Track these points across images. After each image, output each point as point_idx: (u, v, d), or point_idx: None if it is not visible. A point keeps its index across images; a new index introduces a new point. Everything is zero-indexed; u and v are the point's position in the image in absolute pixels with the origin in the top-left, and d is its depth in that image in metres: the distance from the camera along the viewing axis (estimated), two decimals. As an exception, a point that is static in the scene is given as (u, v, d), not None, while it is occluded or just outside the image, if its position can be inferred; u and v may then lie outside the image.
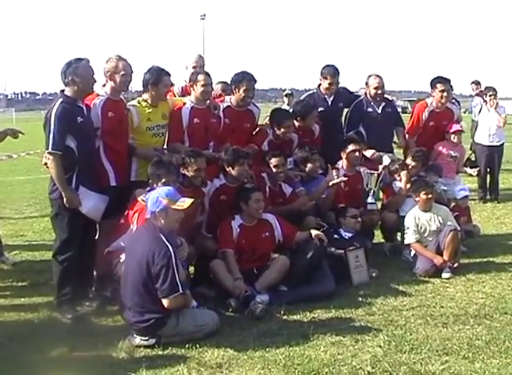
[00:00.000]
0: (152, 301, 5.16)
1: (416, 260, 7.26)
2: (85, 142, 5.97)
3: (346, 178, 7.54)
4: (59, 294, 6.06)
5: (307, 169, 7.68)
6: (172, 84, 7.52)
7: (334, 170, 7.51)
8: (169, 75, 6.80)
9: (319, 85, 8.41)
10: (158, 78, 6.67)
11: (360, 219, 7.43)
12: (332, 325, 5.61)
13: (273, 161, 7.26)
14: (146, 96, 6.79)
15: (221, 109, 7.34)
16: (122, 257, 5.61)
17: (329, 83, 8.26)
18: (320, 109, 8.19)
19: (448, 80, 8.59)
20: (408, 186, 7.84)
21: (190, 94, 7.20)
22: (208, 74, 7.08)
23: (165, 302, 5.11)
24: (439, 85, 8.51)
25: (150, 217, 5.33)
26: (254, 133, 7.69)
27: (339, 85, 8.42)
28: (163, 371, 4.78)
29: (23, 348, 5.27)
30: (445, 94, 8.48)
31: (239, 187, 6.78)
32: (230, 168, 6.80)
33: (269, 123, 7.73)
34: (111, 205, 6.19)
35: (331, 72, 8.25)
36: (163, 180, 5.91)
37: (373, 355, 4.89)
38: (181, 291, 5.08)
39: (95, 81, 6.06)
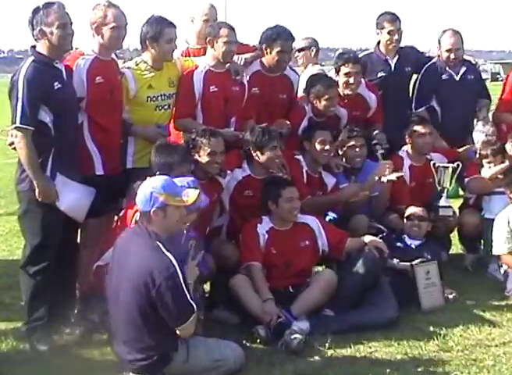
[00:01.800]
0: (154, 333, 5.11)
1: (508, 278, 7.18)
2: (64, 116, 5.96)
3: (401, 173, 7.56)
4: (31, 317, 6.05)
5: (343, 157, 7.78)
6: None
7: (387, 162, 7.45)
8: (174, 27, 6.81)
9: (378, 43, 8.41)
10: (158, 31, 6.67)
11: (429, 222, 7.46)
12: (393, 364, 5.55)
13: (318, 135, 7.27)
14: (146, 56, 6.82)
15: (246, 75, 7.37)
16: None
17: (389, 32, 8.20)
18: (380, 75, 8.25)
19: None
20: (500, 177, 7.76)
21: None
22: (232, 28, 7.07)
23: (180, 333, 5.12)
24: None
25: (141, 219, 5.33)
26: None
27: (406, 45, 8.52)
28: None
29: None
30: None
31: (266, 180, 6.84)
32: (258, 153, 6.85)
33: (306, 94, 7.72)
34: (99, 200, 6.23)
35: (388, 17, 8.27)
36: (177, 171, 5.95)
37: (450, 409, 4.79)
38: (195, 311, 5.10)
39: (72, 33, 5.98)
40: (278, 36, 7.32)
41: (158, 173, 5.87)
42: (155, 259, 5.05)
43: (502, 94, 8.64)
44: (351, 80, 7.74)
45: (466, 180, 8.10)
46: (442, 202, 7.73)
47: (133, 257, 5.16)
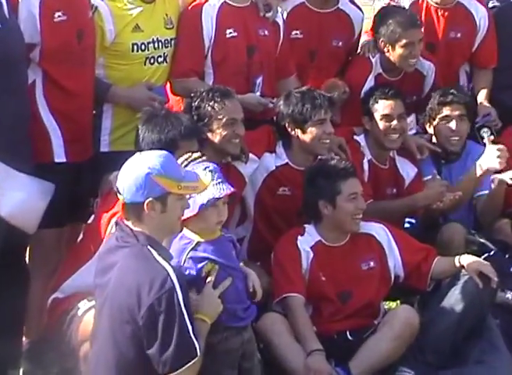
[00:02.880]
0: None
1: None
2: (5, 73, 5.36)
3: None
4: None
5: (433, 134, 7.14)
6: None
7: (500, 147, 6.67)
8: None
9: None
10: None
11: None
12: None
13: (381, 106, 6.59)
14: None
15: (284, 11, 6.97)
16: (82, 306, 5.17)
17: None
18: (492, 4, 7.71)
19: None
20: None
21: None
22: None
23: None
24: None
25: (126, 216, 4.71)
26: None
27: None
28: None
29: None
30: None
31: (312, 170, 6.20)
32: (298, 131, 6.26)
33: (373, 39, 7.15)
34: (60, 201, 5.63)
35: None
36: (182, 151, 5.38)
37: None
38: (198, 355, 4.50)
39: None
40: None
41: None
42: (144, 271, 4.53)
43: None
44: None
45: None
46: None
47: (115, 273, 4.66)
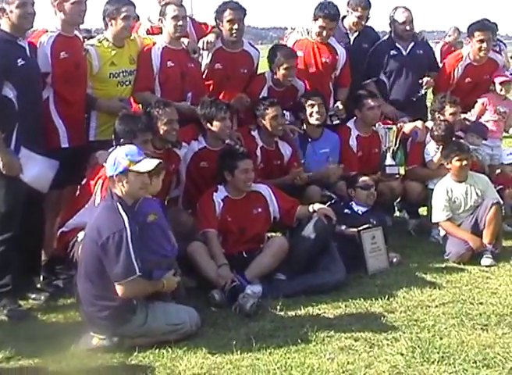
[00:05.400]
0: (107, 288, 5.11)
1: (447, 243, 7.21)
2: (28, 91, 5.86)
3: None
4: (-3, 285, 5.96)
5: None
6: (137, 20, 7.50)
7: (336, 167, 7.53)
8: (132, 5, 6.74)
9: (343, 18, 8.33)
10: (115, 8, 6.63)
11: (374, 190, 7.40)
12: (341, 325, 5.53)
13: (270, 111, 7.18)
14: (107, 34, 6.77)
15: (209, 53, 7.39)
16: (80, 235, 5.61)
17: (359, 17, 8.18)
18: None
19: (490, 27, 8.48)
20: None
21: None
22: (180, 5, 7.07)
23: (118, 289, 5.04)
24: (477, 33, 8.35)
25: (109, 185, 5.35)
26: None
27: (367, 25, 8.44)
28: (125, 384, 4.67)
29: None
30: (484, 45, 8.35)
31: (223, 152, 6.79)
32: (208, 125, 6.85)
33: (268, 63, 7.67)
34: (62, 171, 6.15)
35: (363, 3, 8.17)
36: (140, 139, 5.93)
37: (392, 366, 4.77)
38: (138, 274, 5.01)
39: (34, 13, 5.86)
40: (226, 7, 7.32)
41: (121, 140, 5.92)
42: (109, 217, 5.10)
43: (437, 80, 8.65)
44: (324, 33, 7.74)
45: (408, 168, 8.19)
46: (388, 161, 7.80)
47: (95, 218, 5.21)
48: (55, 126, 6.34)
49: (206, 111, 6.79)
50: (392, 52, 8.42)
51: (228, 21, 7.27)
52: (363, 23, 8.24)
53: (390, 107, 8.26)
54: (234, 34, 7.35)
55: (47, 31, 6.30)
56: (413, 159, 8.08)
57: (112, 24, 6.64)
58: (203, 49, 7.26)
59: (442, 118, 7.92)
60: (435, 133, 7.78)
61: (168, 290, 5.37)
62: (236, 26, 7.30)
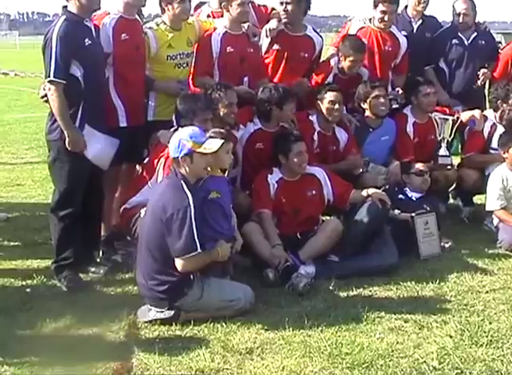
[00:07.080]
0: (167, 263, 5.22)
1: (500, 231, 7.17)
2: (94, 71, 5.99)
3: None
4: (59, 257, 6.11)
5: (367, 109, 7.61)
6: (199, 7, 7.61)
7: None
8: None
9: (406, 7, 8.38)
10: None
11: (428, 177, 7.40)
12: (391, 307, 5.58)
13: (328, 95, 7.14)
14: (165, 17, 6.83)
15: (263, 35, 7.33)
16: (143, 212, 5.71)
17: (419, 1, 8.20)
18: (403, 34, 8.11)
19: None
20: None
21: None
22: None
23: (178, 263, 5.15)
24: None
25: (173, 164, 5.43)
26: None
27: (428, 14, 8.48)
28: (180, 356, 4.77)
29: (10, 322, 5.31)
30: None
31: (276, 136, 6.81)
32: (275, 108, 6.85)
33: (336, 51, 7.67)
34: (120, 149, 6.30)
35: None
36: (200, 118, 5.99)
37: (441, 347, 4.82)
38: (199, 251, 5.12)
39: None
40: None
41: (182, 119, 6.02)
42: (174, 194, 5.19)
43: (494, 71, 8.56)
44: (386, 18, 7.69)
45: (466, 155, 8.09)
46: (442, 152, 7.72)
47: (159, 194, 5.32)
48: (113, 105, 6.44)
49: (270, 96, 6.79)
50: (454, 41, 8.39)
51: (280, 2, 7.31)
52: (422, 6, 8.26)
53: (446, 95, 8.23)
54: (284, 16, 7.35)
55: (109, 13, 6.41)
56: (470, 147, 8.04)
57: (168, 9, 6.69)
58: (266, 37, 7.28)
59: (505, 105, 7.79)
60: (505, 117, 7.74)
61: (223, 258, 5.44)
62: (286, 8, 7.30)
